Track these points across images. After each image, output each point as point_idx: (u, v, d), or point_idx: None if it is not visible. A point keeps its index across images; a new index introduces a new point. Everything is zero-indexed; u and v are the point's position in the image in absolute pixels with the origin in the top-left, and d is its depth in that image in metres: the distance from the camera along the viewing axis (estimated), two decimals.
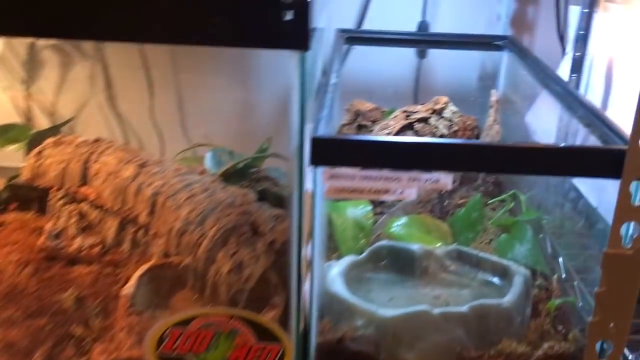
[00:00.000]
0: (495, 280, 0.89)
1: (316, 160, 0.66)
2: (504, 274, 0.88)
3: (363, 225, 0.95)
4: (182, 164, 1.20)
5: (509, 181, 1.17)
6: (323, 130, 0.67)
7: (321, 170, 0.67)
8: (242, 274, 0.86)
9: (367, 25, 1.30)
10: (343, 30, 1.24)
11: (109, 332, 0.86)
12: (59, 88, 1.44)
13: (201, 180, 1.01)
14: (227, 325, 0.74)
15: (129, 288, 0.86)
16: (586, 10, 1.01)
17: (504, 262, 0.89)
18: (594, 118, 0.77)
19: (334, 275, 0.85)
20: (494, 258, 0.90)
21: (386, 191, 0.67)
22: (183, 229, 0.92)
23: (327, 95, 0.79)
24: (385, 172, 0.67)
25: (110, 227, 1.03)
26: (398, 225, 0.97)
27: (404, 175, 0.66)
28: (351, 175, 0.67)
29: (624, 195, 0.64)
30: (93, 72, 1.42)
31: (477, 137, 1.21)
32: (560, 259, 0.95)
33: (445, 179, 0.66)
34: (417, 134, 1.11)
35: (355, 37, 1.25)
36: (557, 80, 0.95)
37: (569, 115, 0.85)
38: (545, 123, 1.07)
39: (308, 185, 0.68)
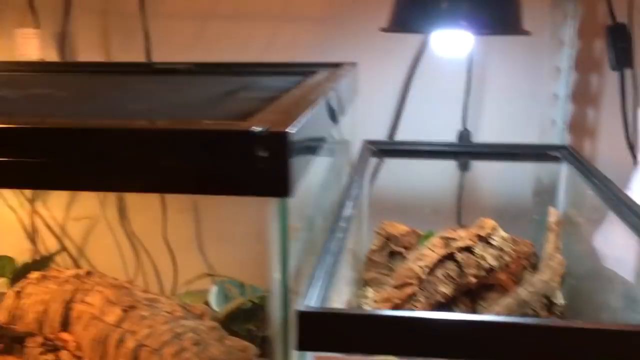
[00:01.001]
0: None
1: (304, 344, 0.48)
2: None
3: None
4: (183, 300, 1.05)
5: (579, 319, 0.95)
6: (317, 301, 0.50)
7: (312, 356, 0.48)
8: None
9: (400, 136, 1.15)
10: (372, 142, 1.09)
11: None
12: (69, 205, 1.33)
13: (196, 328, 0.84)
14: None
15: None
16: None
17: None
18: None
19: None
20: None
21: None
22: None
23: (333, 242, 0.62)
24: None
25: None
26: None
27: None
28: None
29: None
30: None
31: (534, 266, 1.00)
32: None
33: None
34: (459, 266, 0.92)
35: (387, 150, 1.10)
36: (627, 201, 0.75)
37: None
38: (618, 250, 0.87)
39: None
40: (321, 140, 0.62)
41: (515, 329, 0.46)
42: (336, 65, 0.97)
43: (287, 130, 0.45)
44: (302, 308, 0.48)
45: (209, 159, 0.46)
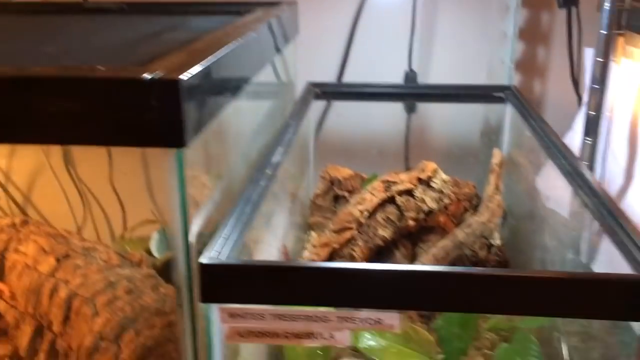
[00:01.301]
0: None
1: (208, 296, 0.47)
2: None
3: None
4: (124, 247, 1.04)
5: (518, 265, 0.97)
6: (225, 252, 0.49)
7: (216, 307, 0.48)
8: None
9: (347, 78, 1.12)
10: (316, 85, 1.06)
11: None
12: (11, 152, 1.29)
13: (131, 276, 0.83)
14: None
15: None
16: (600, 60, 0.81)
17: None
18: (606, 213, 0.57)
19: None
20: None
21: (309, 335, 0.48)
22: (94, 346, 0.74)
23: (254, 190, 0.61)
24: (307, 310, 0.48)
25: (25, 333, 0.86)
26: (369, 333, 0.77)
27: (332, 313, 0.47)
28: (259, 314, 0.48)
29: None
30: None
31: (476, 208, 1.01)
32: None
33: (390, 319, 0.47)
34: (399, 209, 0.92)
35: (332, 92, 1.07)
36: (562, 150, 0.75)
37: (579, 203, 0.65)
38: (554, 191, 0.87)
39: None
40: (238, 84, 0.60)
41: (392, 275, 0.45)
42: (274, 4, 0.93)
43: (179, 77, 0.43)
44: (204, 260, 0.47)
45: (101, 108, 0.43)
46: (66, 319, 0.79)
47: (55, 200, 1.31)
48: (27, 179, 1.30)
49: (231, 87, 0.57)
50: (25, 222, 0.98)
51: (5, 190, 1.28)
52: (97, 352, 0.73)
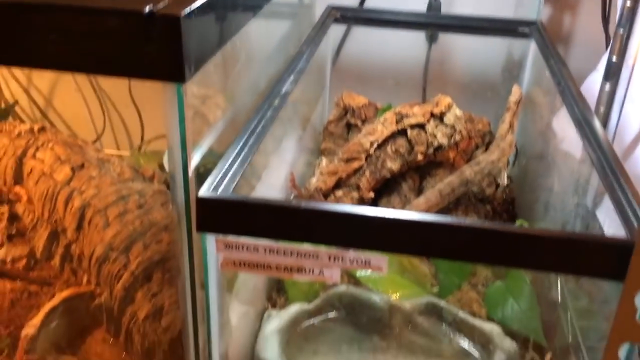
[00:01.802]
0: (474, 349, 0.71)
1: (204, 226, 0.49)
2: (485, 343, 0.70)
3: None
4: (138, 160, 1.06)
5: (524, 204, 0.97)
6: (222, 185, 0.50)
7: (212, 238, 0.50)
8: (161, 322, 0.72)
9: (369, 4, 1.09)
10: (337, 8, 1.04)
11: None
12: None
13: (142, 191, 0.86)
14: None
15: (31, 327, 0.73)
16: (629, 3, 0.77)
17: (487, 327, 0.71)
18: (608, 168, 0.56)
19: (269, 333, 0.69)
20: (475, 320, 0.72)
21: (299, 270, 0.50)
22: (104, 255, 0.78)
23: (259, 121, 0.61)
24: (299, 246, 0.49)
25: (41, 237, 0.90)
26: None
27: (322, 252, 0.49)
28: (252, 247, 0.50)
29: (627, 308, 0.45)
30: None
31: (488, 145, 1.00)
32: (569, 317, 0.76)
33: (377, 261, 0.49)
34: (409, 143, 0.92)
35: (353, 17, 1.05)
36: (576, 97, 0.74)
37: (587, 156, 0.65)
38: (566, 134, 0.86)
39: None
40: (247, 11, 0.59)
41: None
42: None
43: (180, 12, 0.42)
44: (201, 193, 0.49)
45: (103, 40, 0.44)
46: (79, 227, 0.83)
47: (75, 108, 1.33)
48: (48, 86, 1.32)
49: (238, 15, 0.56)
50: (43, 129, 1.00)
51: (28, 94, 1.30)
52: (107, 261, 0.77)
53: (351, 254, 0.49)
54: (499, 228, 0.45)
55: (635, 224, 0.47)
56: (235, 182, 0.51)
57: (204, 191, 0.49)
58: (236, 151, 0.56)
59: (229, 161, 0.54)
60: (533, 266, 0.49)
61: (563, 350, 0.71)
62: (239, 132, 0.59)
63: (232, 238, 0.50)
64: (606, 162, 0.58)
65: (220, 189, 0.50)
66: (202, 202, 0.48)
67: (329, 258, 0.49)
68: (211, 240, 0.50)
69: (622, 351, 0.46)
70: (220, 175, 0.51)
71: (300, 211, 0.48)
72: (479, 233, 0.45)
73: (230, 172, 0.53)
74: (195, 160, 0.50)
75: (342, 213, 0.48)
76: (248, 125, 0.60)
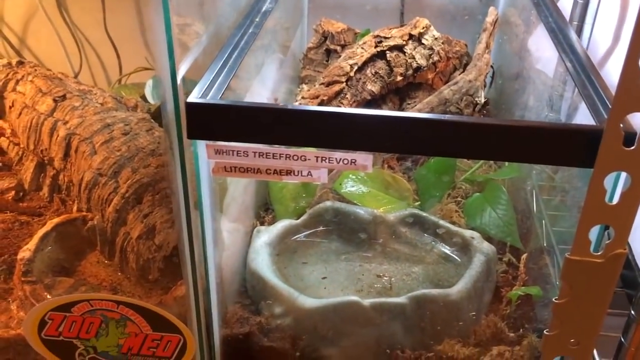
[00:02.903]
0: (455, 254, 0.75)
1: (194, 133, 0.51)
2: (465, 247, 0.74)
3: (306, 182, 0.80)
4: (119, 92, 1.06)
5: (502, 117, 1.00)
6: (211, 92, 0.52)
7: (203, 144, 0.52)
8: (154, 241, 0.74)
9: None
10: None
11: (8, 298, 0.76)
12: None
13: (126, 119, 0.86)
14: (115, 312, 0.63)
15: (26, 251, 0.75)
16: None
17: (467, 233, 0.74)
18: (583, 72, 0.59)
19: (259, 245, 0.72)
20: (455, 228, 0.76)
21: (288, 172, 0.52)
22: (93, 181, 0.79)
23: (240, 37, 0.62)
24: (287, 149, 0.51)
25: (28, 168, 0.91)
26: (351, 179, 0.82)
27: (310, 153, 0.51)
28: (242, 151, 0.51)
29: (596, 191, 0.48)
30: None
31: (465, 66, 1.02)
32: (544, 223, 0.80)
33: (363, 160, 0.51)
34: (388, 65, 0.93)
35: None
36: (552, 10, 0.75)
37: (561, 63, 0.67)
38: (546, 55, 0.88)
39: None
40: None
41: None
42: None
43: None
44: (190, 99, 0.50)
45: None
46: (66, 156, 0.84)
47: (50, 46, 1.31)
48: (20, 24, 1.29)
49: None
50: (21, 63, 1.00)
51: (1, 33, 1.28)
52: (97, 186, 0.78)
53: (338, 154, 0.51)
54: (475, 121, 0.48)
55: (605, 114, 0.50)
56: (222, 90, 0.53)
57: (193, 98, 0.50)
58: (221, 62, 0.57)
59: (215, 71, 0.55)
60: (509, 157, 0.51)
61: (537, 252, 0.75)
62: (223, 45, 0.60)
63: (222, 144, 0.52)
64: (580, 67, 0.60)
65: (209, 96, 0.51)
66: (192, 108, 0.49)
67: (317, 159, 0.51)
68: (202, 147, 0.52)
69: (593, 234, 0.50)
70: (207, 84, 0.53)
71: (288, 114, 0.50)
72: (457, 127, 0.48)
73: (217, 82, 0.54)
74: (182, 70, 0.52)
75: (329, 114, 0.50)
76: (231, 39, 0.61)
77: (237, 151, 0.52)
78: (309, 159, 0.51)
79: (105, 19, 1.23)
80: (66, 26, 1.27)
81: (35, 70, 0.97)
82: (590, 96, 0.54)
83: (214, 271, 0.60)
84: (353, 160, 0.51)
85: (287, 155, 0.51)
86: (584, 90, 0.55)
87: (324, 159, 0.51)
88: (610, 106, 0.46)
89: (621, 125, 0.45)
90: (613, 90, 0.45)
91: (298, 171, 0.52)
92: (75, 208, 0.84)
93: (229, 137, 0.51)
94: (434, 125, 0.48)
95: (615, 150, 0.45)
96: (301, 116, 0.50)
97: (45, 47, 1.33)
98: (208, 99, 0.50)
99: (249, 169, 0.52)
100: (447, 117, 0.48)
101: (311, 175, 0.52)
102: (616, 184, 0.48)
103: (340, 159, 0.51)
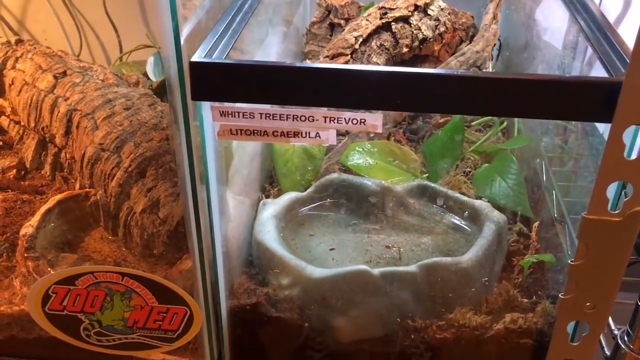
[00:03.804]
0: (465, 224, 0.74)
1: (198, 94, 0.49)
2: (475, 217, 0.72)
3: (312, 153, 0.79)
4: (120, 69, 1.04)
5: None
6: (215, 52, 0.50)
7: (208, 105, 0.50)
8: (159, 214, 0.73)
9: None
10: None
11: (10, 276, 0.75)
12: None
13: (128, 94, 0.85)
14: (120, 284, 0.61)
15: (29, 227, 0.73)
16: None
17: (476, 203, 0.73)
18: (600, 32, 0.57)
19: (265, 218, 0.71)
20: (464, 197, 0.74)
21: (296, 134, 0.51)
22: (96, 156, 0.78)
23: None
24: (294, 109, 0.50)
25: (29, 146, 0.89)
26: (357, 152, 0.81)
27: (318, 113, 0.50)
28: (248, 113, 0.50)
29: (615, 146, 0.46)
30: None
31: (472, 38, 1.00)
32: (555, 194, 0.78)
33: (373, 120, 0.49)
34: (394, 37, 0.92)
35: None
36: None
37: (574, 24, 0.65)
38: (558, 20, 0.86)
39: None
40: None
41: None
42: None
43: None
44: (194, 58, 0.48)
45: None
46: (67, 132, 0.83)
47: (49, 27, 1.29)
48: (19, 6, 1.28)
49: None
50: (20, 41, 0.98)
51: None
52: (99, 161, 0.77)
53: (347, 113, 0.49)
54: (486, 75, 0.46)
55: (622, 68, 0.48)
56: (227, 51, 0.51)
57: (197, 57, 0.48)
58: (225, 24, 0.55)
59: (219, 32, 0.54)
60: (524, 113, 0.50)
61: (548, 222, 0.73)
62: (227, 8, 0.58)
63: (227, 105, 0.50)
64: (595, 25, 0.58)
65: (213, 56, 0.49)
66: (195, 68, 0.48)
67: (325, 119, 0.50)
68: (207, 109, 0.50)
69: (610, 191, 0.48)
70: (211, 44, 0.51)
71: (295, 71, 0.48)
72: (468, 82, 0.46)
73: (222, 43, 0.52)
74: (185, 31, 0.50)
75: (337, 70, 0.48)
76: (235, 2, 0.60)
77: (243, 113, 0.50)
78: (317, 120, 0.50)
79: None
80: (65, 7, 1.26)
81: (35, 48, 0.96)
82: (606, 52, 0.52)
83: (220, 242, 0.58)
84: (363, 120, 0.50)
85: (295, 116, 0.50)
86: (600, 47, 0.53)
87: (332, 119, 0.50)
88: (628, 60, 0.45)
89: None
90: (631, 46, 0.44)
91: (306, 132, 0.50)
92: (77, 185, 0.82)
93: (235, 98, 0.49)
94: (444, 80, 0.47)
95: (634, 101, 0.44)
96: (308, 74, 0.49)
97: (45, 29, 1.31)
98: (213, 59, 0.49)
99: (255, 131, 0.51)
100: (457, 72, 0.47)
101: (319, 136, 0.51)
102: (635, 139, 0.47)
103: (350, 119, 0.50)
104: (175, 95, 0.50)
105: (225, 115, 0.50)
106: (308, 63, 0.45)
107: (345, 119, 0.50)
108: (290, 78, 0.48)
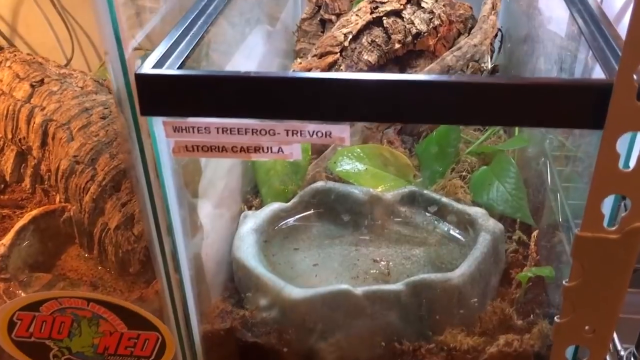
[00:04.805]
0: (459, 234, 0.69)
1: (147, 108, 0.45)
2: (470, 226, 0.67)
3: (296, 162, 0.74)
4: (104, 75, 1.01)
5: None
6: (166, 62, 0.46)
7: (159, 121, 0.46)
8: (133, 231, 0.69)
9: None
10: None
11: None
12: None
13: (106, 102, 0.81)
14: (86, 310, 0.58)
15: (1, 246, 0.70)
16: None
17: (471, 210, 0.68)
18: (596, 26, 0.52)
19: (245, 232, 0.67)
20: (459, 205, 0.69)
21: (257, 149, 0.46)
22: (70, 169, 0.74)
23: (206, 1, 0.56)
24: (253, 123, 0.45)
25: (8, 159, 0.86)
26: (346, 157, 0.76)
27: (279, 126, 0.45)
28: (204, 127, 0.46)
29: (608, 155, 0.41)
30: None
31: (470, 30, 0.95)
32: (559, 196, 0.73)
33: (339, 132, 0.45)
34: (386, 33, 0.87)
35: None
36: None
37: (572, 18, 0.60)
38: (559, 15, 0.81)
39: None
40: None
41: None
42: None
43: None
44: (140, 70, 0.44)
45: None
46: (43, 144, 0.79)
47: (41, 32, 1.26)
48: (10, 11, 1.25)
49: None
50: (0, 49, 0.95)
51: None
52: (73, 174, 0.73)
53: (310, 126, 0.45)
54: (473, 80, 0.41)
55: (616, 66, 0.43)
56: (182, 60, 0.47)
57: (144, 69, 0.44)
58: (182, 30, 0.51)
59: (174, 39, 0.49)
60: (501, 120, 0.45)
61: (550, 228, 0.68)
62: (186, 12, 0.54)
63: (180, 120, 0.46)
64: (591, 19, 0.53)
65: (164, 66, 0.45)
66: (142, 80, 0.44)
67: (287, 133, 0.45)
68: (158, 124, 0.46)
69: (606, 206, 0.43)
70: (163, 53, 0.47)
71: (252, 82, 0.44)
72: (452, 87, 0.41)
73: (176, 51, 0.48)
74: (136, 41, 0.46)
75: (298, 80, 0.44)
76: (197, 4, 0.55)
77: (198, 127, 0.46)
78: (278, 133, 0.45)
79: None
80: (55, 11, 1.23)
81: (15, 55, 0.92)
82: (600, 48, 0.47)
83: (186, 263, 0.54)
84: (328, 133, 0.45)
85: (254, 130, 0.45)
86: (594, 43, 0.48)
87: (295, 132, 0.45)
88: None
89: (634, 77, 0.38)
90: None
91: (267, 147, 0.46)
92: (58, 199, 0.79)
93: (187, 112, 0.45)
94: (416, 88, 0.42)
95: (627, 106, 0.38)
96: (266, 84, 0.44)
97: (36, 34, 1.28)
98: (161, 70, 0.44)
99: (212, 147, 0.46)
100: (431, 77, 0.42)
101: (282, 151, 0.46)
102: (631, 148, 0.42)
103: (314, 132, 0.45)
104: (125, 110, 0.46)
105: (178, 131, 0.46)
106: (263, 72, 0.40)
107: (309, 131, 0.45)
108: (246, 90, 0.44)
